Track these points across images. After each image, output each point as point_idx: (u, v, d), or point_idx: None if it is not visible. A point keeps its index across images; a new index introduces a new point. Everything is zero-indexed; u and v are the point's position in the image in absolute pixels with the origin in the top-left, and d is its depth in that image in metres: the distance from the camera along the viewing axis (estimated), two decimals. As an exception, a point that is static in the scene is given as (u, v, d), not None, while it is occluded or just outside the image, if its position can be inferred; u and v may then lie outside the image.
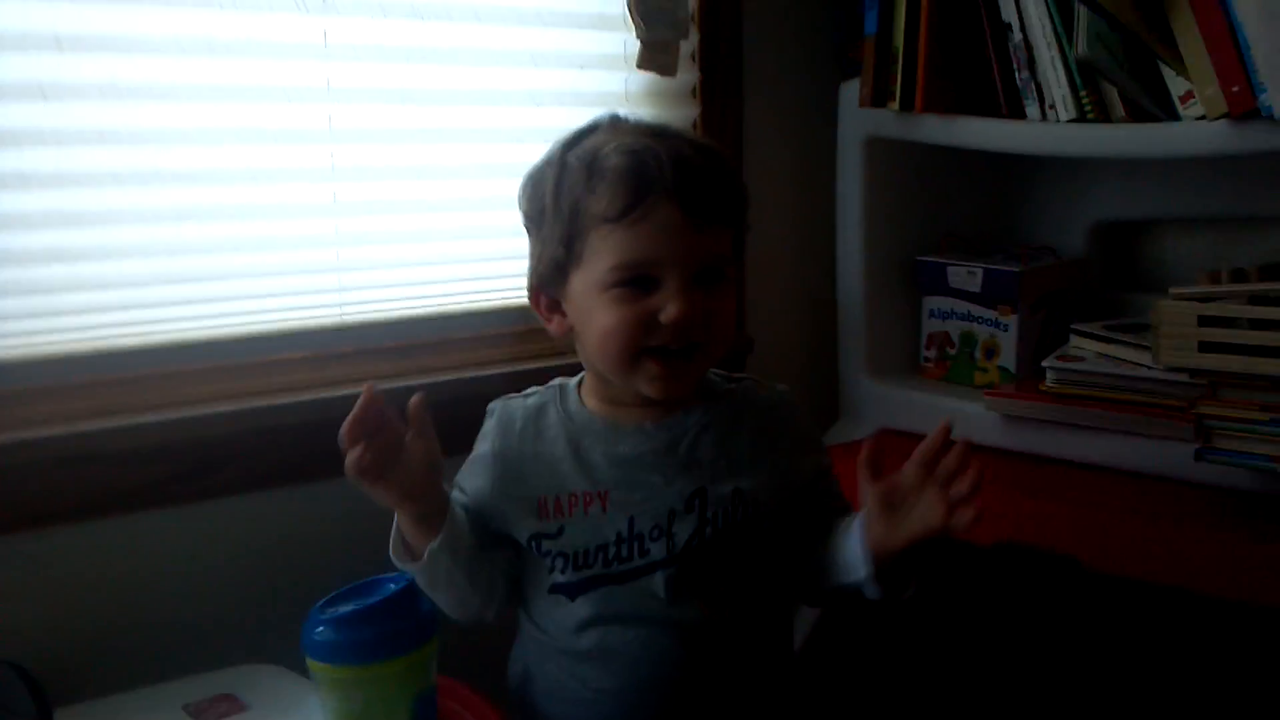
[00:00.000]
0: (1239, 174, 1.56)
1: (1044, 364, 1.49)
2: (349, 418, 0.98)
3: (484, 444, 1.17)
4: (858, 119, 1.66)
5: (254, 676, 1.19)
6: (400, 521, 1.05)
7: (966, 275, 1.66)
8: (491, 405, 1.20)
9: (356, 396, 1.39)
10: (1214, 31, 1.24)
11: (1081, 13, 1.37)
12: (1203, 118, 1.31)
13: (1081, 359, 1.47)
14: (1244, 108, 1.23)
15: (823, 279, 1.78)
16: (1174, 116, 1.37)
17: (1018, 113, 1.50)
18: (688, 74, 1.64)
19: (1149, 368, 1.39)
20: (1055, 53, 1.44)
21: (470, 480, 1.15)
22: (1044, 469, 1.47)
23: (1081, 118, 1.43)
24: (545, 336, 1.25)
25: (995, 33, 1.52)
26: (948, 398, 1.64)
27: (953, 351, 1.70)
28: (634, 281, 1.04)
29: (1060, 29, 1.43)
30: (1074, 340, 1.52)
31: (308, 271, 1.38)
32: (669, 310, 1.03)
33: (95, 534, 1.25)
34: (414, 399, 1.03)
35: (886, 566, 1.04)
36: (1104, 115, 1.43)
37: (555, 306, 1.14)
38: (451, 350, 1.48)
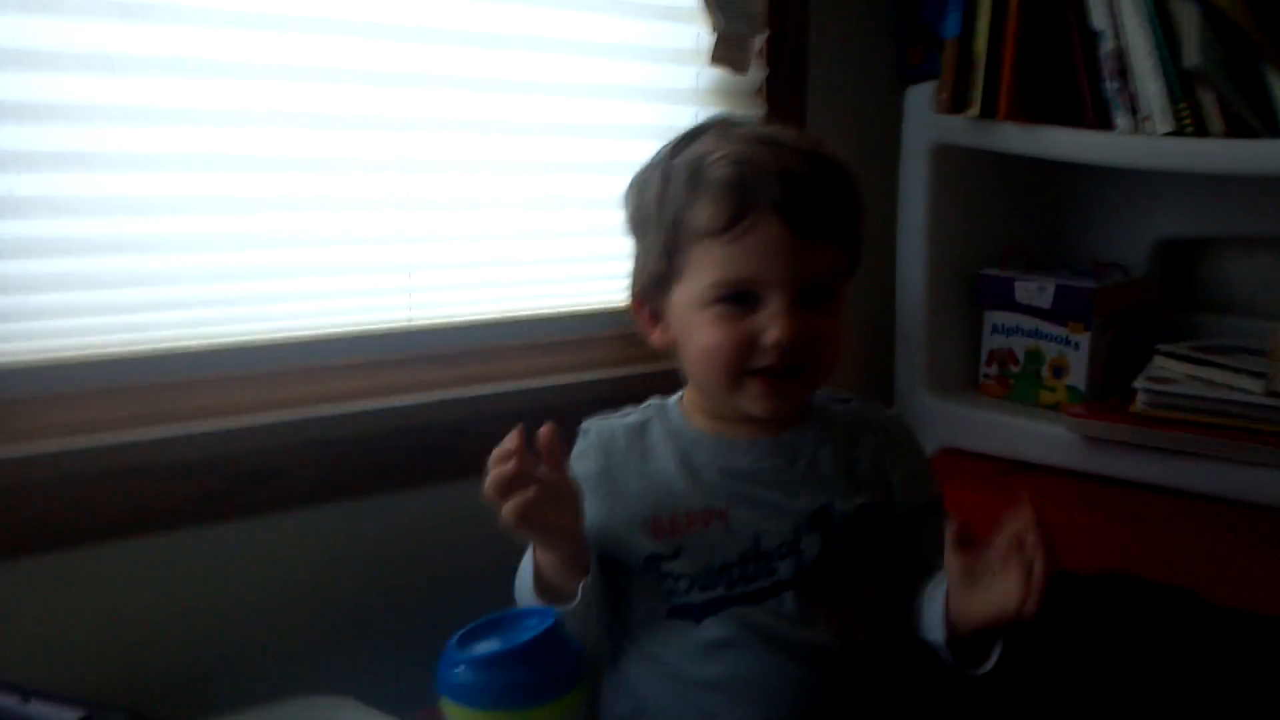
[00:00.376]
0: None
1: (1136, 385, 1.44)
2: (502, 466, 0.90)
3: (585, 463, 1.08)
4: (925, 125, 1.59)
5: (325, 710, 1.08)
6: (545, 562, 0.97)
7: (1036, 291, 1.59)
8: (585, 425, 1.13)
9: (419, 406, 1.31)
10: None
11: (1190, 20, 1.31)
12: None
13: (1174, 381, 1.41)
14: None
15: (879, 290, 1.71)
16: (1276, 132, 1.32)
17: (1105, 123, 1.45)
18: (756, 71, 1.56)
19: (1250, 392, 1.33)
20: (1154, 62, 1.38)
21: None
22: (1130, 493, 1.41)
23: (1179, 131, 1.38)
24: (631, 343, 1.18)
25: (1084, 40, 1.46)
26: (1013, 417, 1.58)
27: (1016, 369, 1.64)
28: (736, 299, 1.00)
29: (1160, 38, 1.37)
30: (1159, 362, 1.46)
31: (374, 271, 1.28)
32: (771, 332, 0.99)
33: (136, 552, 1.14)
34: (545, 430, 0.94)
35: (964, 639, 0.99)
36: (1200, 129, 1.37)
37: (657, 318, 1.09)
38: (528, 356, 1.40)
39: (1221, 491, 1.36)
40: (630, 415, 1.13)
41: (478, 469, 0.92)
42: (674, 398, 1.13)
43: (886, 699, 1.05)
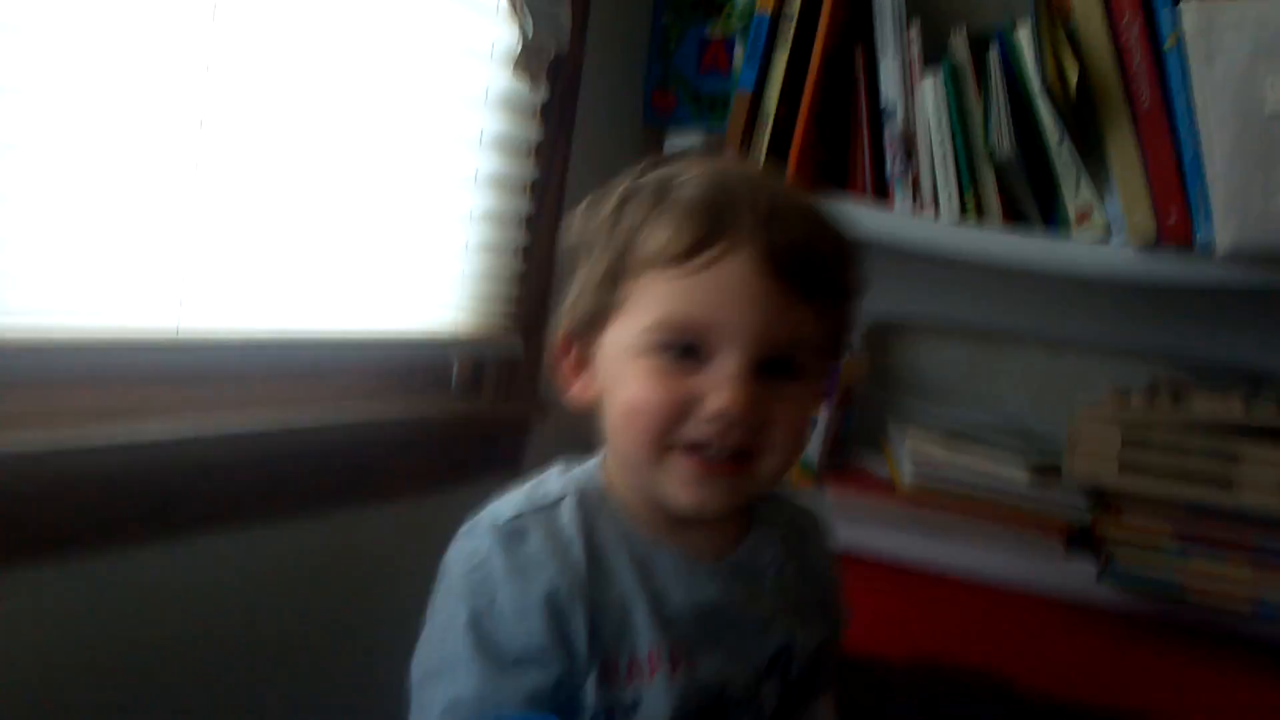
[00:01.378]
0: (1007, 286, 1.62)
1: (903, 463, 1.43)
2: None
3: (531, 580, 0.80)
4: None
5: None
6: None
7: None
8: (508, 520, 0.83)
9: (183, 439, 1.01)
10: (1160, 159, 1.25)
11: (1003, 112, 1.34)
12: (1104, 237, 1.33)
13: (940, 464, 1.42)
14: (1177, 239, 1.25)
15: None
16: (1052, 228, 1.38)
17: (884, 199, 1.45)
18: (544, 90, 1.40)
19: (1016, 479, 1.37)
20: (948, 148, 1.40)
21: (516, 635, 0.79)
22: (899, 575, 1.39)
23: (963, 216, 1.40)
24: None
25: (872, 116, 1.45)
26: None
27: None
28: (680, 349, 0.80)
29: (956, 124, 1.39)
30: (912, 443, 1.47)
31: (142, 270, 0.97)
32: (716, 397, 0.78)
33: None
34: None
35: None
36: (979, 215, 1.41)
37: (584, 364, 0.88)
38: (314, 384, 1.15)
39: (987, 573, 1.38)
40: (563, 503, 0.85)
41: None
42: (592, 470, 0.89)
43: None
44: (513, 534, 0.82)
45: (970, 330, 1.73)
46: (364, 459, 1.26)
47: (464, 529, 0.84)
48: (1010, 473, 1.37)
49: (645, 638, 0.82)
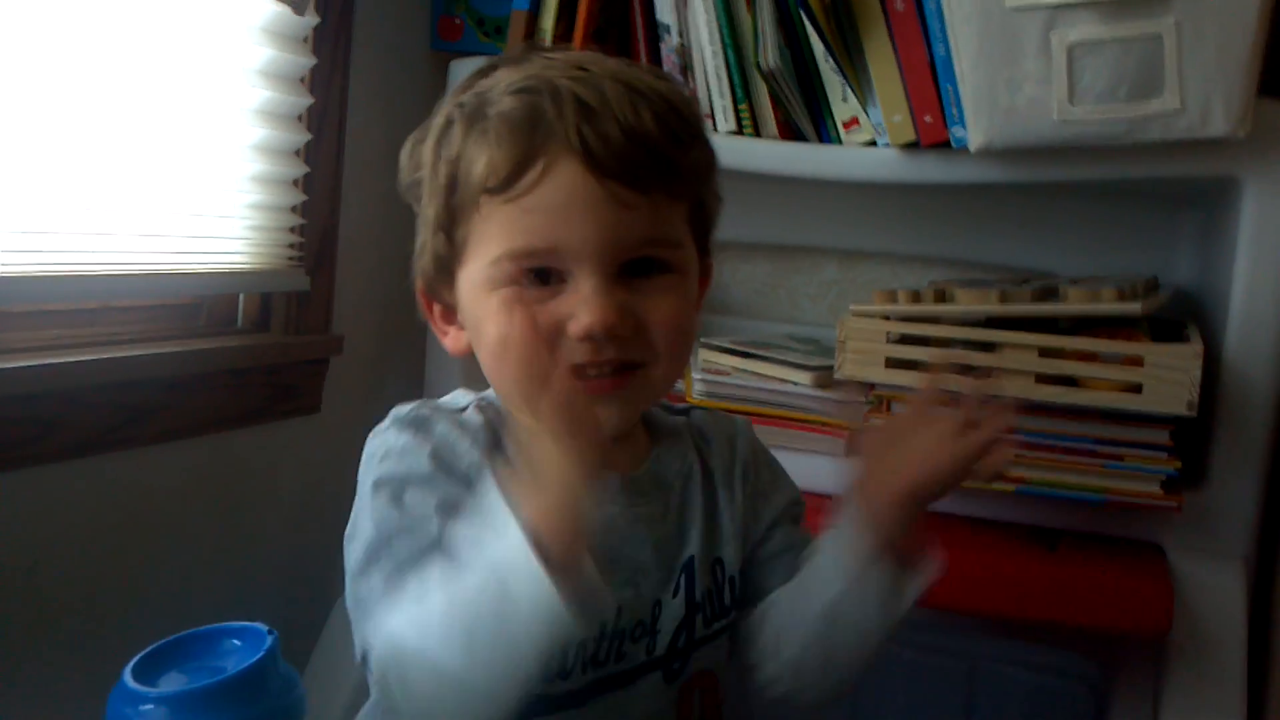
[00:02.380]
0: (797, 203, 1.66)
1: (694, 376, 1.46)
2: None
3: (442, 458, 0.77)
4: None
5: None
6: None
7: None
8: (411, 410, 0.81)
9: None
10: (913, 61, 1.29)
11: (767, 23, 1.36)
12: (872, 144, 1.37)
13: (725, 373, 1.46)
14: (935, 139, 1.30)
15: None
16: (825, 140, 1.42)
17: (664, 117, 1.46)
18: (311, 15, 1.38)
19: (799, 384, 1.41)
20: (720, 62, 1.42)
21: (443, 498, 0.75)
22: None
23: (739, 131, 1.43)
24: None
25: (649, 32, 1.47)
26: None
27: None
28: (532, 275, 0.77)
29: (729, 38, 1.41)
30: (705, 355, 1.50)
31: None
32: (579, 319, 0.75)
33: None
34: None
35: (881, 541, 0.81)
36: (756, 131, 1.44)
37: (451, 315, 0.84)
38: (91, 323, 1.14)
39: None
40: (462, 408, 0.83)
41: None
42: (492, 395, 0.85)
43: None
44: (418, 420, 0.80)
45: (770, 246, 1.76)
46: (145, 399, 1.24)
47: (369, 437, 0.81)
48: (795, 377, 1.41)
49: None
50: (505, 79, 0.78)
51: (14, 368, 1.07)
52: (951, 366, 0.85)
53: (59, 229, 1.12)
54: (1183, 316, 1.39)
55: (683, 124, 0.79)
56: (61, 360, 1.13)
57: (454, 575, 0.66)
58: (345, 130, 1.48)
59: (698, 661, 0.85)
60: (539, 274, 0.77)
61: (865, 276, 1.73)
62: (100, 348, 1.20)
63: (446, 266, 0.81)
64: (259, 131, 1.34)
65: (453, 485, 0.75)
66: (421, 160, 0.82)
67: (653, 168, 0.76)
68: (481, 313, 0.79)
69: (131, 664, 0.63)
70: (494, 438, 0.80)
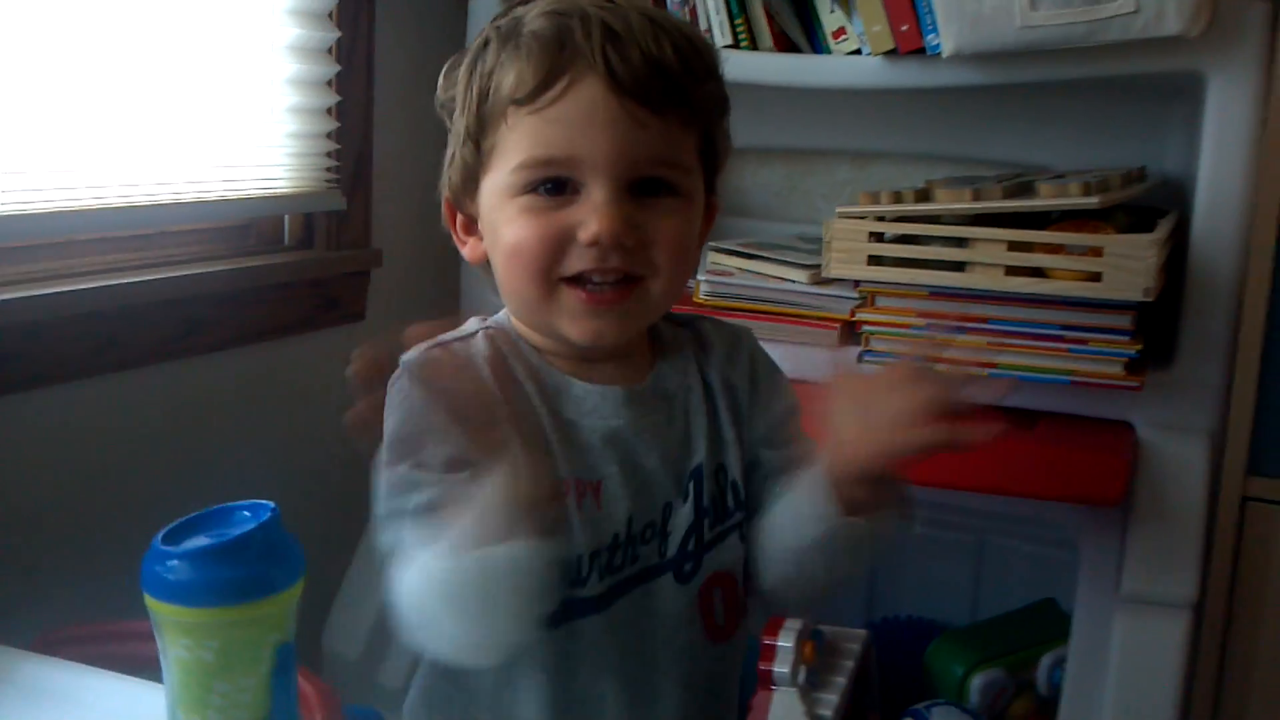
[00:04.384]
0: (809, 108, 1.74)
1: (699, 278, 1.57)
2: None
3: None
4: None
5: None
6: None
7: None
8: (416, 355, 0.86)
9: None
10: (888, -27, 1.37)
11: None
12: (857, 52, 1.45)
13: (729, 274, 1.56)
14: (911, 46, 1.38)
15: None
16: (818, 51, 1.50)
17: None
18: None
19: (797, 282, 1.51)
20: (716, -21, 1.51)
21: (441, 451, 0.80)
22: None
23: (735, 44, 1.52)
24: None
25: (649, -47, 1.55)
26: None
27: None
28: (549, 186, 0.82)
29: (721, -45, 1.50)
30: (713, 257, 1.60)
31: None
32: (588, 226, 0.80)
33: None
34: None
35: (854, 485, 0.83)
36: (753, 44, 1.52)
37: (472, 226, 0.90)
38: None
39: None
40: (469, 335, 0.89)
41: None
42: (503, 317, 0.91)
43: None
44: (424, 362, 0.85)
45: (784, 150, 1.85)
46: (201, 314, 1.40)
47: (389, 384, 0.86)
48: (792, 275, 1.52)
49: (559, 468, 0.84)
50: (541, 5, 0.84)
51: (79, 289, 1.23)
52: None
53: (117, 164, 1.28)
54: (1170, 205, 1.46)
55: (699, 59, 0.85)
56: (124, 280, 1.29)
57: (445, 549, 0.75)
58: (374, 60, 1.61)
59: (711, 563, 0.90)
60: (556, 185, 0.82)
61: (878, 176, 1.80)
62: (159, 268, 1.36)
63: (473, 175, 0.86)
64: (292, 66, 1.48)
65: (455, 436, 0.79)
66: (457, 78, 0.88)
67: (668, 93, 0.82)
68: (500, 218, 0.84)
69: (162, 532, 0.78)
70: (501, 362, 0.87)
